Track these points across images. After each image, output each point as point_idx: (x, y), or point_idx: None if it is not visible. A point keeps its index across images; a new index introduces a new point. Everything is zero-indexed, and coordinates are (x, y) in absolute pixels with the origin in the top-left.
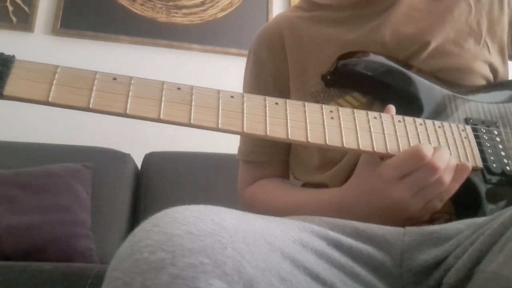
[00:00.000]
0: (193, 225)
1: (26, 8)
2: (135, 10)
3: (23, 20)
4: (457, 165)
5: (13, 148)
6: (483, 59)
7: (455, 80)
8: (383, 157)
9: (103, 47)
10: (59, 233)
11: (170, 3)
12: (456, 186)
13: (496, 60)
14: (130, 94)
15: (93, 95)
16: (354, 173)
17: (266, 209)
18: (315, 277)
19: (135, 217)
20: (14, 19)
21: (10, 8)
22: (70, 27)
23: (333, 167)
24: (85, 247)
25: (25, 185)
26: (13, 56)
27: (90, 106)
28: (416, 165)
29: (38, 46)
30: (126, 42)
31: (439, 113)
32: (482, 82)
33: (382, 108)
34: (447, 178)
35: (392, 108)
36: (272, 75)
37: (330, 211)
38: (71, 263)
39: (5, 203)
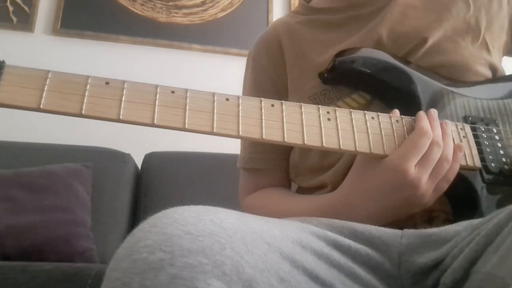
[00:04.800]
0: (192, 225)
1: (26, 8)
2: (135, 10)
3: (23, 20)
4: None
5: (13, 148)
6: (481, 57)
7: (452, 77)
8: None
9: (103, 47)
10: (59, 233)
11: (170, 3)
12: (457, 166)
13: (495, 58)
14: (123, 99)
15: (85, 101)
16: (352, 173)
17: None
18: (314, 277)
19: (135, 217)
20: (15, 19)
21: (11, 8)
22: (70, 27)
23: (330, 169)
24: (85, 247)
25: (25, 185)
26: (3, 62)
27: (83, 112)
28: (427, 144)
29: (38, 46)
30: (126, 42)
31: (438, 110)
32: (480, 79)
33: (381, 107)
34: (449, 154)
35: (396, 112)
36: (271, 80)
37: (332, 215)
38: (71, 263)
39: (5, 203)
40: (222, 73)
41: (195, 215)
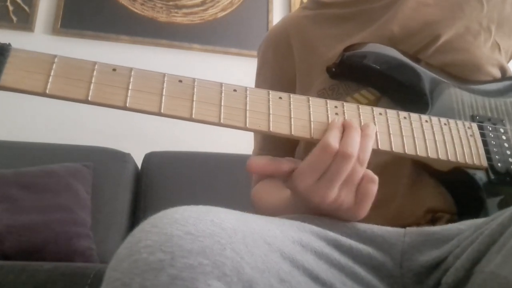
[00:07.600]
0: (192, 225)
1: (26, 8)
2: (136, 10)
3: (24, 20)
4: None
5: (13, 148)
6: (493, 57)
7: (462, 76)
8: None
9: (104, 47)
10: (59, 233)
11: (171, 3)
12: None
13: (505, 60)
14: (130, 87)
15: (92, 87)
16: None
17: (260, 207)
18: (314, 277)
19: (135, 217)
20: (15, 19)
21: (11, 8)
22: (70, 26)
23: None
24: (85, 246)
25: (25, 185)
26: (9, 44)
27: (89, 98)
28: (328, 160)
29: (38, 46)
30: (126, 42)
31: (446, 108)
32: (489, 79)
33: (389, 104)
34: (365, 157)
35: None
36: (277, 75)
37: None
38: (71, 263)
39: (5, 203)
40: (222, 73)
41: (196, 215)
